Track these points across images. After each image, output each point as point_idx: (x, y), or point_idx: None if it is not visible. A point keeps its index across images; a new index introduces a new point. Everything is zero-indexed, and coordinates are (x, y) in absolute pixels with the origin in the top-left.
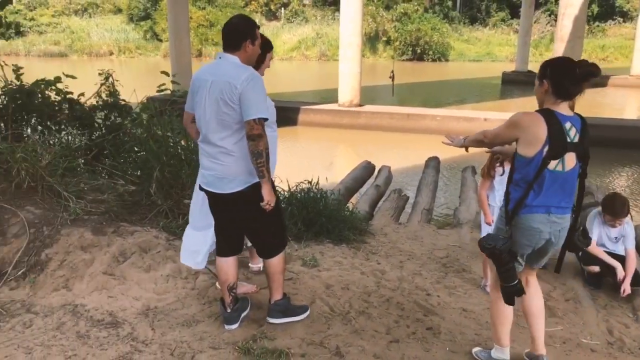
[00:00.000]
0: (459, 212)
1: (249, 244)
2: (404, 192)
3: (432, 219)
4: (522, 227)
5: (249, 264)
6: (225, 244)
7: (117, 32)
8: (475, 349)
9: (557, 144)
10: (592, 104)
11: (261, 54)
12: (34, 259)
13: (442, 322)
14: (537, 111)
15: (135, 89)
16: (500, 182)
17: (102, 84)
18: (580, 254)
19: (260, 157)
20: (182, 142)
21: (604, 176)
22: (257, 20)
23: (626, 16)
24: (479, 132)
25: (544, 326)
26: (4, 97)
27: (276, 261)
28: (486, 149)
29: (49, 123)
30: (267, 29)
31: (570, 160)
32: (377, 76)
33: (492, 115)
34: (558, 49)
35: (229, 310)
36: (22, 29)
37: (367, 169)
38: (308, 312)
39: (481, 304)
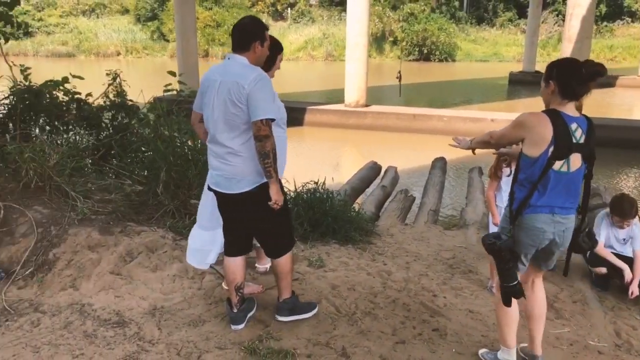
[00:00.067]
0: (465, 213)
1: (257, 244)
2: (411, 193)
3: (438, 219)
4: (525, 227)
5: (256, 265)
6: (234, 244)
7: (124, 33)
8: (482, 351)
9: (562, 145)
10: (601, 104)
11: (272, 56)
12: (41, 259)
13: (448, 324)
14: (543, 111)
15: (143, 89)
16: (507, 183)
17: (109, 84)
18: (587, 255)
19: (268, 158)
20: (189, 143)
21: (612, 177)
22: (263, 21)
23: (634, 16)
24: (485, 134)
25: (543, 329)
26: (12, 97)
27: (284, 261)
28: (493, 150)
29: (56, 123)
30: (273, 29)
31: (576, 161)
32: (383, 76)
33: (499, 116)
34: (566, 49)
35: (235, 310)
36: (30, 29)
37: (373, 170)
38: (316, 309)
39: (488, 305)
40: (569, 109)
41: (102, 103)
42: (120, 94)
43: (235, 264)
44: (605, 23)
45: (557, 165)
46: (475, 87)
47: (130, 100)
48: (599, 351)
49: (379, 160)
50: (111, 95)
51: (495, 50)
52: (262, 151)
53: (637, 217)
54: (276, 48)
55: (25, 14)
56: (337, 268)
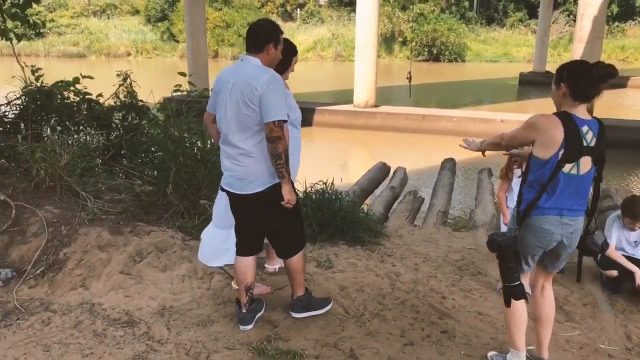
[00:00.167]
0: (474, 214)
1: (267, 244)
2: (420, 194)
3: (447, 221)
4: (533, 228)
5: (265, 265)
6: (245, 244)
7: (134, 33)
8: (491, 353)
9: (573, 148)
10: (612, 105)
11: (287, 58)
12: (52, 258)
13: (457, 326)
14: (554, 114)
15: (153, 89)
16: (518, 184)
17: (120, 85)
18: (598, 258)
19: (280, 159)
20: (199, 143)
21: (623, 179)
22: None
23: None
24: (496, 136)
25: (551, 333)
26: (24, 97)
27: (296, 260)
28: (504, 152)
29: (67, 123)
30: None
31: (586, 163)
32: (392, 77)
33: (509, 117)
34: (577, 50)
35: (244, 311)
36: (42, 30)
37: (382, 170)
38: (331, 305)
39: (497, 308)
40: (581, 112)
41: (112, 103)
42: (131, 94)
43: (247, 264)
44: (616, 23)
45: (567, 167)
46: (485, 88)
47: (141, 101)
48: (610, 354)
49: (387, 161)
50: (121, 96)
51: (505, 50)
52: (275, 152)
53: None
54: (291, 51)
55: (37, 14)
56: (345, 269)
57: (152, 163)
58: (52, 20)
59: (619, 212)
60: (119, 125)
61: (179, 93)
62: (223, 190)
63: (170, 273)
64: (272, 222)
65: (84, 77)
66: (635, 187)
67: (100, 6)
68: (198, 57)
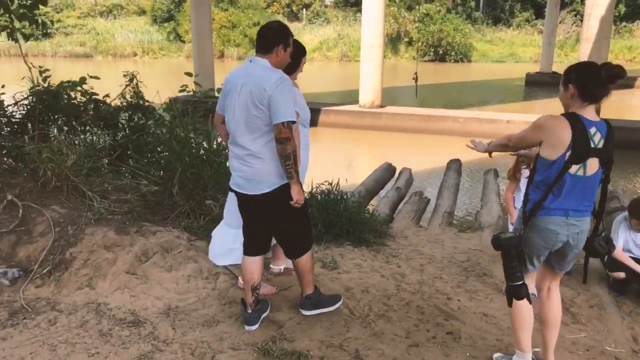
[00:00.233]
0: (480, 215)
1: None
2: (425, 195)
3: (453, 222)
4: (538, 229)
5: (270, 265)
6: (253, 244)
7: (140, 34)
8: (496, 355)
9: (580, 149)
10: (620, 105)
11: (296, 59)
12: (58, 258)
13: (462, 327)
14: (562, 115)
15: (159, 89)
16: (525, 185)
17: (126, 85)
18: (605, 260)
19: (289, 160)
20: (204, 144)
21: (630, 180)
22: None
23: None
24: (503, 137)
25: (557, 336)
26: (31, 98)
27: (304, 260)
28: (511, 152)
29: (74, 123)
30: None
31: (593, 165)
32: (398, 77)
33: (515, 117)
34: (584, 50)
35: (249, 311)
36: (49, 30)
37: (387, 171)
38: (341, 302)
39: (502, 309)
40: (589, 113)
41: (119, 104)
42: (137, 94)
43: (254, 264)
44: (624, 23)
45: (574, 169)
46: (492, 88)
47: (147, 101)
48: (616, 357)
49: (393, 162)
50: (128, 96)
51: (511, 50)
52: (284, 153)
53: None
54: (300, 51)
55: (44, 15)
56: (350, 270)
57: (158, 163)
58: (59, 21)
59: (626, 213)
60: (125, 126)
61: (185, 93)
62: (232, 190)
63: (175, 273)
64: (280, 222)
65: (90, 77)
66: None
67: (107, 7)
68: (204, 58)
